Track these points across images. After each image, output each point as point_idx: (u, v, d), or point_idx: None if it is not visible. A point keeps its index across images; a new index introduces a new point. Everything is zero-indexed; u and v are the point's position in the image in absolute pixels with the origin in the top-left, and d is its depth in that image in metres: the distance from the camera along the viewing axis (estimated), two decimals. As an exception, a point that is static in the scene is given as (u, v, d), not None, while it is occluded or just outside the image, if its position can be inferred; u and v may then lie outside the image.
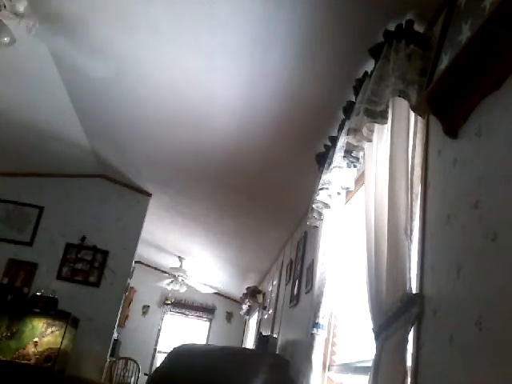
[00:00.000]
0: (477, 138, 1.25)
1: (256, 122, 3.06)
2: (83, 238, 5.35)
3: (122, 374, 6.70)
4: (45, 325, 4.77)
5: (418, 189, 1.56)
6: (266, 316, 5.80)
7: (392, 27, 1.81)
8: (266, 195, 4.22)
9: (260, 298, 6.53)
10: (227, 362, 2.68)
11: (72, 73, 3.34)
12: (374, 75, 1.80)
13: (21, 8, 2.38)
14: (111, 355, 5.95)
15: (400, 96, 1.54)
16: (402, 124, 1.60)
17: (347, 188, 2.27)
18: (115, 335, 5.97)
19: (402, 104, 1.61)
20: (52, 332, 4.73)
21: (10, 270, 5.09)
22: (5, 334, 4.66)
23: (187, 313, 9.41)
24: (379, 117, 1.68)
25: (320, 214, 2.58)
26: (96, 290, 5.21)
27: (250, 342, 7.48)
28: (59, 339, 4.59)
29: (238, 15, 2.19)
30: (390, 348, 1.39)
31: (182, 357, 2.98)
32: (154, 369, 7.30)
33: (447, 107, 1.38)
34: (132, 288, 8.35)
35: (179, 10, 2.30)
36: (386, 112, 1.66)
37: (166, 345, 8.61)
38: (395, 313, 1.38)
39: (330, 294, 2.42)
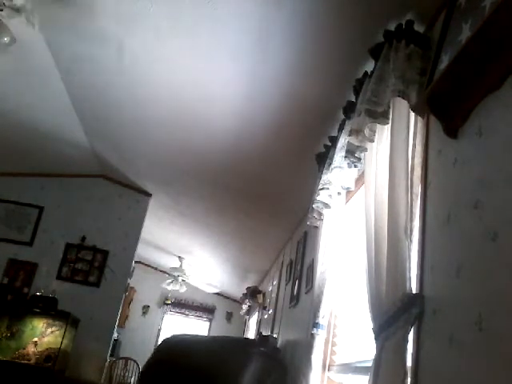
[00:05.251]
0: (477, 138, 1.25)
1: (256, 122, 3.06)
2: (83, 238, 5.35)
3: (122, 374, 6.70)
4: (45, 325, 4.78)
5: (417, 189, 1.56)
6: (265, 316, 5.80)
7: (392, 27, 1.81)
8: (265, 195, 4.22)
9: (260, 298, 6.53)
10: (219, 350, 2.68)
11: (72, 73, 3.34)
12: (374, 75, 1.80)
13: (20, 1, 2.37)
14: (111, 355, 5.96)
15: (400, 96, 1.55)
16: (402, 124, 1.60)
17: (348, 188, 2.27)
18: (115, 335, 5.97)
19: (402, 104, 1.61)
20: (52, 332, 4.74)
21: (10, 270, 5.09)
22: (5, 334, 4.66)
23: (187, 313, 9.41)
24: (380, 117, 1.68)
25: (320, 214, 2.58)
26: (96, 289, 5.21)
27: (250, 342, 7.47)
28: (59, 339, 4.59)
29: (239, 16, 2.19)
30: (390, 348, 1.39)
31: (173, 347, 2.98)
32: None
33: (447, 107, 1.38)
34: (132, 288, 8.35)
35: (180, 10, 2.30)
36: (388, 112, 1.66)
37: (166, 345, 8.60)
38: (395, 313, 1.38)
39: (330, 293, 2.42)
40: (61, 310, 4.73)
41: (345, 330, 2.47)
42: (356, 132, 1.83)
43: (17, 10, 2.36)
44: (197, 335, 3.53)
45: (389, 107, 1.66)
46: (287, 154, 3.32)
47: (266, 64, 2.46)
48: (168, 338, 3.13)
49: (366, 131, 1.80)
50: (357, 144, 1.93)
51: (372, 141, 1.82)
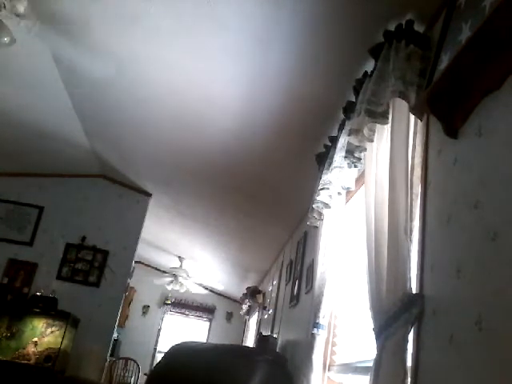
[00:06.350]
0: (477, 138, 1.26)
1: (256, 122, 3.06)
2: (83, 238, 5.35)
3: (122, 374, 6.70)
4: (45, 325, 4.78)
5: (417, 189, 1.56)
6: (265, 316, 5.80)
7: (392, 27, 1.81)
8: (265, 195, 4.22)
9: (260, 298, 6.53)
10: (225, 360, 2.68)
11: (72, 73, 3.34)
12: (374, 75, 1.80)
13: (21, 8, 2.39)
14: (111, 355, 5.96)
15: (400, 97, 1.55)
16: (402, 124, 1.60)
17: (348, 188, 2.27)
18: (115, 335, 5.97)
19: (403, 104, 1.61)
20: (52, 332, 4.74)
21: (10, 270, 5.09)
22: (5, 334, 4.66)
23: (187, 313, 9.41)
24: (380, 117, 1.68)
25: (320, 214, 2.58)
26: (96, 289, 5.21)
27: (250, 342, 7.48)
28: (59, 339, 4.59)
29: (239, 16, 2.19)
30: (391, 348, 1.39)
31: (181, 354, 2.99)
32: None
33: (447, 107, 1.38)
34: (132, 288, 8.35)
35: (180, 10, 2.30)
36: (387, 112, 1.67)
37: (166, 345, 8.59)
38: (395, 313, 1.38)
39: (330, 293, 2.42)
40: (61, 310, 4.73)
41: (345, 329, 2.47)
42: (356, 132, 1.84)
43: (15, 14, 2.37)
44: (204, 343, 3.53)
45: (388, 107, 1.66)
46: (287, 154, 3.32)
47: (266, 64, 2.46)
48: (176, 345, 3.13)
49: (366, 131, 1.80)
50: (356, 144, 1.93)
51: (371, 140, 1.82)
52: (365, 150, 1.92)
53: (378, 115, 1.68)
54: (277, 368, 2.73)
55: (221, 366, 2.61)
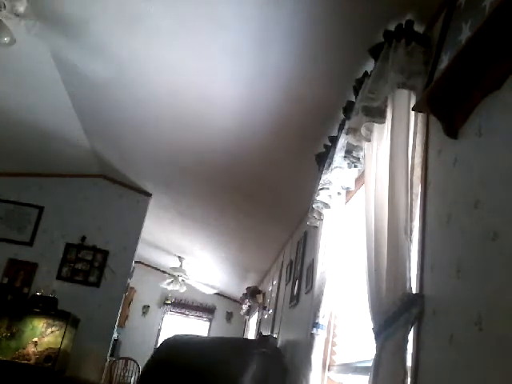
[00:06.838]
0: (477, 138, 1.25)
1: (256, 122, 3.06)
2: (83, 238, 5.35)
3: (122, 373, 6.71)
4: (45, 325, 4.78)
5: (417, 189, 1.56)
6: (266, 316, 5.80)
7: (392, 27, 1.81)
8: (265, 195, 4.22)
9: (260, 298, 6.53)
10: (219, 351, 2.69)
11: (72, 73, 3.34)
12: (372, 73, 1.81)
13: (21, 8, 2.39)
14: (111, 355, 5.96)
15: (401, 87, 1.54)
16: (402, 124, 1.60)
17: (347, 188, 2.28)
18: (115, 335, 5.97)
19: (402, 103, 1.61)
20: (52, 332, 4.74)
21: (10, 270, 5.10)
22: (5, 334, 4.66)
23: (187, 313, 9.41)
24: (377, 115, 1.67)
25: (320, 214, 2.58)
26: (96, 289, 5.21)
27: (249, 342, 7.47)
28: (59, 339, 4.59)
29: (239, 16, 2.19)
30: (390, 348, 1.39)
31: (174, 347, 2.99)
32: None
33: (447, 107, 1.38)
34: (132, 288, 8.35)
35: (180, 11, 2.30)
36: (384, 110, 1.66)
37: (166, 345, 8.58)
38: (395, 313, 1.38)
39: (330, 293, 2.42)
40: (61, 310, 4.73)
41: (345, 329, 2.47)
42: (353, 131, 1.84)
43: (15, 14, 2.37)
44: (197, 336, 3.53)
45: (385, 103, 1.66)
46: (287, 154, 3.32)
47: (266, 64, 2.46)
48: (168, 339, 3.14)
49: (363, 130, 1.80)
50: (354, 143, 1.93)
51: (368, 140, 1.82)
52: (362, 149, 1.92)
53: (375, 111, 1.68)
54: (272, 361, 2.74)
55: (214, 357, 2.61)
